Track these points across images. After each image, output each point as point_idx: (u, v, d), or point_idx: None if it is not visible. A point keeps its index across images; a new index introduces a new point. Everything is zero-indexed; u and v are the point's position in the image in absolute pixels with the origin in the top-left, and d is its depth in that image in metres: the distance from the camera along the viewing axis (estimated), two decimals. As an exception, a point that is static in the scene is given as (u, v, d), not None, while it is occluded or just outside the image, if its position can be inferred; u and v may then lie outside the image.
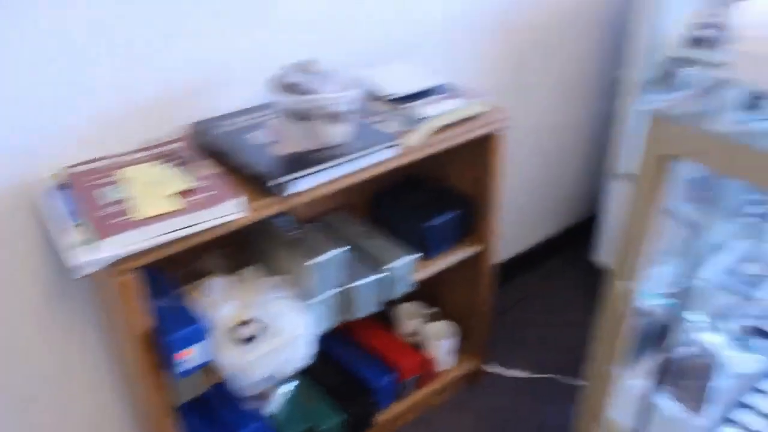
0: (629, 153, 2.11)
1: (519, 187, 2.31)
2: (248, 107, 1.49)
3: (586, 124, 2.44)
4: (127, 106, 1.34)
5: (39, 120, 1.24)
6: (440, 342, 1.92)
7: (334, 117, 1.28)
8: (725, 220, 1.29)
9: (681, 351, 1.37)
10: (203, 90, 1.44)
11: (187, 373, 1.27)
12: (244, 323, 1.36)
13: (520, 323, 2.30)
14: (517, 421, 1.93)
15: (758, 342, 1.38)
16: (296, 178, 1.25)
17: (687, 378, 1.38)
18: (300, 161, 1.28)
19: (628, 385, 1.45)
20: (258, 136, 1.37)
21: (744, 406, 1.40)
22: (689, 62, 1.82)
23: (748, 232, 1.33)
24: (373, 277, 1.54)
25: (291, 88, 1.26)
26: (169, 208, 1.14)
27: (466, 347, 2.01)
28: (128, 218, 1.12)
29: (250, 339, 1.33)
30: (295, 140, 1.31)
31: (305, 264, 1.42)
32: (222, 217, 1.17)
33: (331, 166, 1.30)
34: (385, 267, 1.57)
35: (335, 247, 1.46)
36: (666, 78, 1.91)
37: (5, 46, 1.15)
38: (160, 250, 1.14)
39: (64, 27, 1.20)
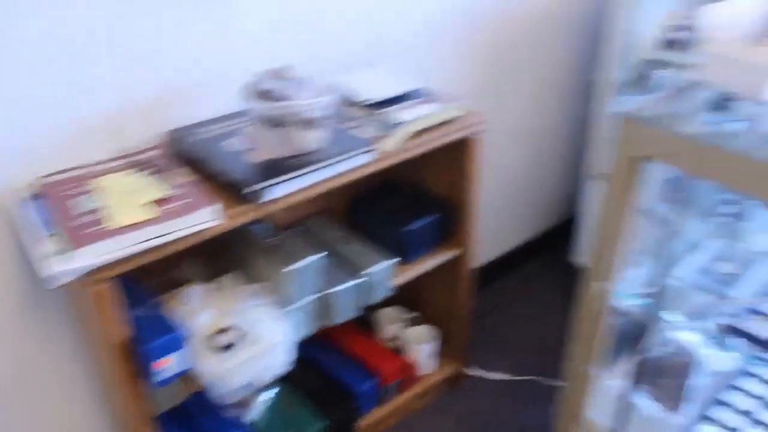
0: (605, 154, 2.12)
1: (497, 190, 2.32)
2: (224, 115, 1.49)
3: (563, 127, 2.45)
4: (102, 114, 1.33)
5: (12, 130, 1.23)
6: (421, 346, 1.92)
7: (308, 123, 1.29)
8: (700, 219, 1.30)
9: (658, 350, 1.38)
10: (179, 98, 1.43)
11: (165, 382, 1.27)
12: (223, 331, 1.35)
13: (501, 326, 2.31)
14: (499, 423, 1.94)
15: (734, 340, 1.39)
16: (271, 185, 1.25)
17: (664, 377, 1.39)
18: (275, 168, 1.28)
19: (607, 386, 1.46)
20: (234, 144, 1.37)
21: (721, 403, 1.41)
22: (663, 64, 1.84)
23: (722, 232, 1.34)
24: (351, 283, 1.54)
25: (265, 95, 1.26)
26: (143, 217, 1.14)
27: (446, 351, 2.01)
28: (102, 228, 1.12)
29: (228, 347, 1.33)
30: (270, 147, 1.31)
31: (283, 270, 1.42)
32: (197, 225, 1.17)
33: (307, 173, 1.30)
34: (363, 272, 1.57)
35: (313, 253, 1.46)
36: (641, 80, 1.93)
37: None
38: (135, 260, 1.13)
39: (37, 36, 1.20)
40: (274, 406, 1.73)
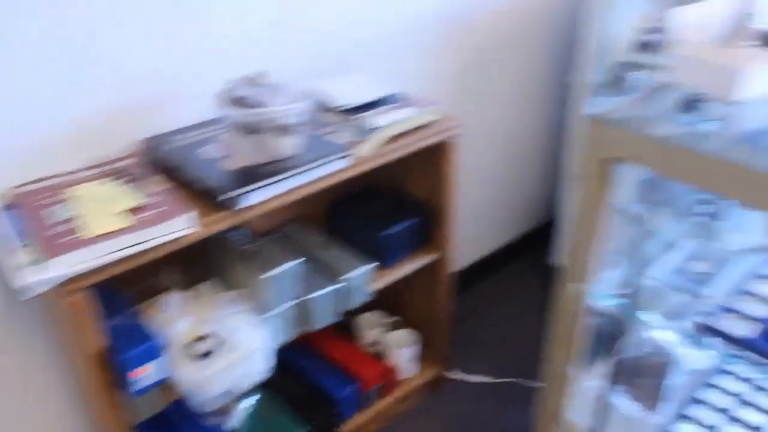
0: (582, 156, 2.14)
1: (476, 194, 2.33)
2: (200, 122, 1.48)
3: (540, 129, 2.47)
4: (76, 123, 1.32)
5: (-16, 140, 1.22)
6: (402, 350, 1.92)
7: (283, 129, 1.29)
8: (675, 219, 1.32)
9: (635, 350, 1.39)
10: (154, 105, 1.43)
11: (143, 391, 1.26)
12: (201, 339, 1.35)
13: (481, 329, 2.31)
14: (480, 426, 1.94)
15: (709, 339, 1.40)
16: (247, 192, 1.25)
17: (642, 376, 1.40)
18: (251, 175, 1.28)
19: (585, 386, 1.47)
20: (209, 151, 1.37)
21: (698, 401, 1.43)
22: (637, 66, 1.85)
23: (698, 231, 1.36)
24: (329, 288, 1.54)
25: (239, 102, 1.26)
26: (118, 226, 1.13)
27: (427, 355, 2.02)
28: (77, 237, 1.11)
29: (206, 354, 1.32)
30: (245, 154, 1.31)
31: (261, 277, 1.41)
32: (172, 233, 1.16)
33: (282, 179, 1.30)
34: (341, 277, 1.57)
35: (291, 259, 1.46)
36: (616, 82, 1.94)
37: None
38: (110, 269, 1.13)
39: (8, 42, 1.19)
40: (255, 413, 1.72)
